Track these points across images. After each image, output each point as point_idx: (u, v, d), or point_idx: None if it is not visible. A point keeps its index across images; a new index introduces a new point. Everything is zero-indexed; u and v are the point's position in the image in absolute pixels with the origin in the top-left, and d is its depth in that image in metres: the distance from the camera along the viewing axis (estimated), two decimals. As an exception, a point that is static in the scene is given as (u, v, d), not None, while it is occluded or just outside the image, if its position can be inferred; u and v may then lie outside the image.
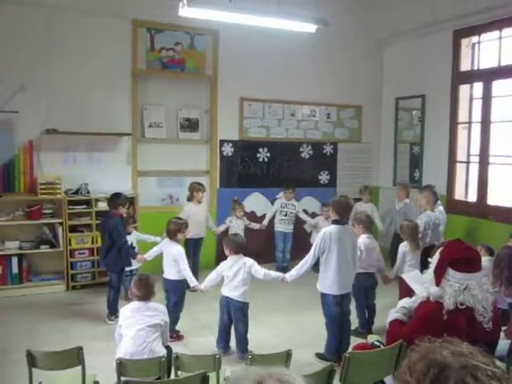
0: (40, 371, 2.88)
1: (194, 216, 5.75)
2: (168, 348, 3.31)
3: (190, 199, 5.95)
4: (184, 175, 6.56)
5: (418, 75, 6.89)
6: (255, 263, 4.18)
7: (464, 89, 6.42)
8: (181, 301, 4.50)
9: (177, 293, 4.46)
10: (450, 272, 2.70)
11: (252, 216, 6.85)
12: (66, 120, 5.74)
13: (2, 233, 5.58)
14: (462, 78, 6.40)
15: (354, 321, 4.48)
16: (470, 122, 6.46)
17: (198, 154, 6.72)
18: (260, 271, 4.15)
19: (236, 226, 6.34)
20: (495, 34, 5.96)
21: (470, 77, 6.34)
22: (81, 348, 2.84)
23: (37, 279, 5.74)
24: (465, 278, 2.67)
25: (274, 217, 6.83)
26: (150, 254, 4.77)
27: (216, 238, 6.43)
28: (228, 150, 6.87)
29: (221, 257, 4.64)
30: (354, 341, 4.00)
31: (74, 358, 2.84)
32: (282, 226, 6.80)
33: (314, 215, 7.08)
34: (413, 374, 1.12)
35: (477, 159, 6.26)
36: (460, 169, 6.52)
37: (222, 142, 6.81)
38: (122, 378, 2.74)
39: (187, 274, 4.40)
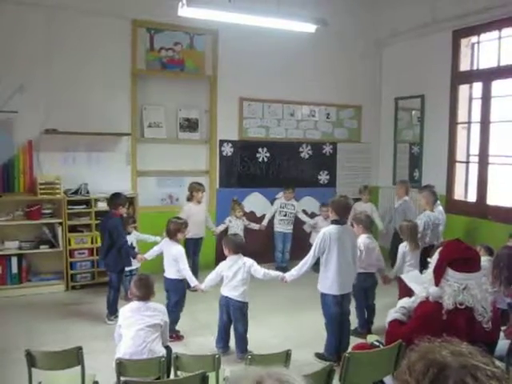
0: (39, 371, 2.88)
1: (194, 216, 5.75)
2: (168, 348, 3.31)
3: (189, 199, 5.96)
4: (184, 175, 6.56)
5: (418, 75, 6.88)
6: (255, 263, 4.18)
7: (463, 89, 6.43)
8: (181, 300, 4.50)
9: (177, 292, 4.46)
10: (450, 272, 2.70)
11: (251, 216, 6.85)
12: (65, 120, 5.74)
13: (1, 233, 5.58)
14: (462, 78, 6.40)
15: (354, 321, 4.48)
16: (469, 122, 6.46)
17: (197, 154, 6.72)
18: (259, 271, 4.16)
19: (235, 226, 6.34)
20: (494, 33, 5.96)
21: (470, 77, 6.34)
22: (80, 348, 2.84)
23: (36, 279, 5.74)
24: (464, 277, 2.67)
25: (273, 217, 6.83)
26: (150, 254, 4.78)
27: (216, 237, 6.43)
28: (227, 150, 6.87)
29: (220, 257, 4.64)
30: (354, 341, 4.00)
31: (73, 357, 2.84)
32: (282, 227, 6.80)
33: (313, 215, 7.08)
34: (412, 373, 1.12)
35: (476, 159, 6.26)
36: (459, 169, 6.52)
37: (221, 142, 6.81)
38: (122, 378, 2.74)
39: (187, 273, 4.40)
